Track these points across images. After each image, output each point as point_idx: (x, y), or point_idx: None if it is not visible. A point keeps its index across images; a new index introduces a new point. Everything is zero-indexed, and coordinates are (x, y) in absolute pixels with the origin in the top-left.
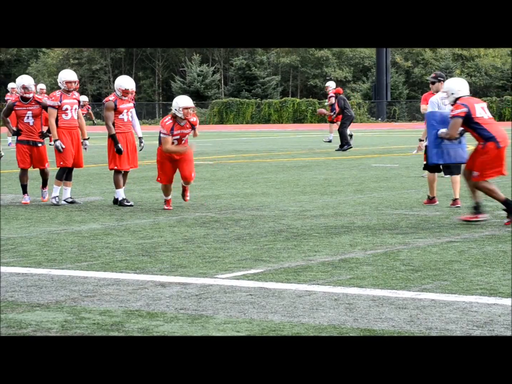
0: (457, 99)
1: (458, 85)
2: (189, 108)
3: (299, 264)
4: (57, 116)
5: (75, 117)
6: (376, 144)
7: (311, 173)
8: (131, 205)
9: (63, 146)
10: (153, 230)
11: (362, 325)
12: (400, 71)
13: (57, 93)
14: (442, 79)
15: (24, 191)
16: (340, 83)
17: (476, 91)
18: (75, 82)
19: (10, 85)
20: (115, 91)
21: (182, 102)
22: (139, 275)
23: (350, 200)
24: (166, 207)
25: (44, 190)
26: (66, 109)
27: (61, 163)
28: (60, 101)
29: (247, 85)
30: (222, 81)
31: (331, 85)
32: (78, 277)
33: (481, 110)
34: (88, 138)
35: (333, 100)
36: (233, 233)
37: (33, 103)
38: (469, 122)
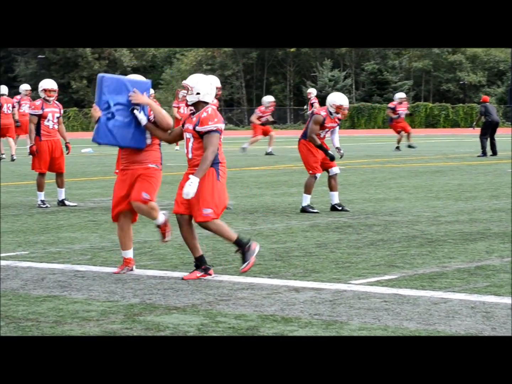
0: None
1: None
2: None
3: (434, 270)
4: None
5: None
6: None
7: (445, 178)
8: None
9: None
10: (286, 235)
11: (501, 334)
12: None
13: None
14: None
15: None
16: (474, 87)
17: None
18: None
19: None
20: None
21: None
22: (273, 279)
23: (485, 206)
24: None
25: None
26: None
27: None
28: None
29: (379, 90)
30: (354, 86)
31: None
32: (213, 281)
33: None
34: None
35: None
36: (366, 238)
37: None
38: None
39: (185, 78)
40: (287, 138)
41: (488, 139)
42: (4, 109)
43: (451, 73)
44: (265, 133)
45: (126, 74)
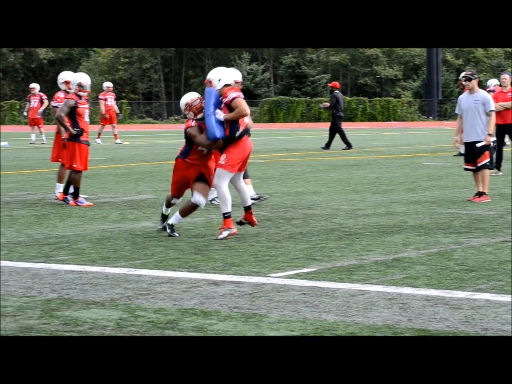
0: None
1: None
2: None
3: (352, 263)
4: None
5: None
6: (427, 143)
7: (362, 171)
8: None
9: None
10: (205, 229)
11: (417, 325)
12: (451, 69)
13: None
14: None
15: (78, 194)
16: (390, 81)
17: None
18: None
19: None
20: None
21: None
22: (192, 273)
23: (402, 199)
24: None
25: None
26: None
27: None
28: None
29: (297, 84)
30: (272, 80)
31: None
32: (132, 275)
33: None
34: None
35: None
36: (285, 231)
37: (87, 102)
38: None
39: (102, 71)
40: None
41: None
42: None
43: (368, 67)
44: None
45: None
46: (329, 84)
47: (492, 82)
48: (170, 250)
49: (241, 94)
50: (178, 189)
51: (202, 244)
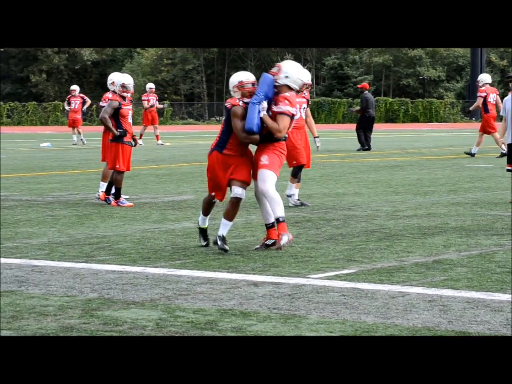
0: None
1: None
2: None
3: (392, 265)
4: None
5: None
6: (470, 144)
7: (404, 173)
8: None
9: None
10: (246, 229)
11: (457, 328)
12: (495, 70)
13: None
14: None
15: (120, 195)
16: (433, 82)
17: None
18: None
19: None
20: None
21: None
22: (232, 274)
23: (443, 201)
24: None
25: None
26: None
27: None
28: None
29: (339, 85)
30: (314, 81)
31: None
32: (172, 276)
33: None
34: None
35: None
36: (325, 233)
37: (130, 103)
38: None
39: (145, 73)
40: None
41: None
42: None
43: (411, 68)
44: None
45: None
46: (359, 86)
47: (483, 78)
48: (210, 250)
49: (293, 111)
50: (217, 188)
51: (242, 245)
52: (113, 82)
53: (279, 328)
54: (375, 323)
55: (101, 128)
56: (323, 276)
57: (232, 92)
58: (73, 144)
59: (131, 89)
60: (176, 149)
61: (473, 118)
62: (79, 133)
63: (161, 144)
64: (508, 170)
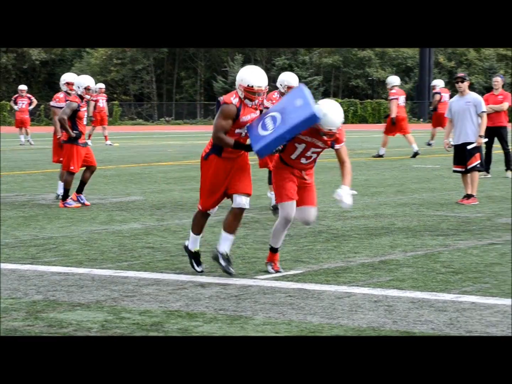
0: None
1: None
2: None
3: (338, 265)
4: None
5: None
6: (417, 145)
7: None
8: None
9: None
10: None
11: (402, 327)
12: (443, 71)
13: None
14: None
15: (67, 196)
16: (382, 83)
17: None
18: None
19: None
20: None
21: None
22: (179, 275)
23: (390, 201)
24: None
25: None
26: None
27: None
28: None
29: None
30: None
31: None
32: (119, 277)
33: None
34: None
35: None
36: None
37: (86, 105)
38: None
39: (95, 73)
40: (197, 133)
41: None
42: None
43: (360, 69)
44: None
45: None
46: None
47: (438, 83)
48: (157, 252)
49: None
50: (213, 195)
51: None
52: (68, 83)
53: (225, 329)
54: (320, 323)
55: (50, 129)
56: (270, 277)
57: (237, 87)
58: (20, 144)
59: (94, 92)
60: (124, 149)
61: (421, 120)
62: (27, 133)
63: (110, 144)
64: (454, 171)
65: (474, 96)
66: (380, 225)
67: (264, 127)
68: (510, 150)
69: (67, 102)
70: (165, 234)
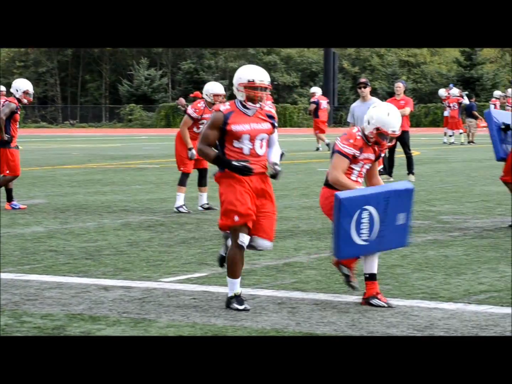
0: None
1: None
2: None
3: (243, 268)
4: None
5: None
6: (322, 149)
7: None
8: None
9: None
10: (97, 233)
11: (305, 329)
12: (347, 76)
13: (202, 104)
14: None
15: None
16: (287, 88)
17: (422, 97)
18: (222, 95)
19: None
20: None
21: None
22: (82, 278)
23: (295, 204)
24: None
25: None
26: (203, 123)
27: (182, 168)
28: (201, 115)
29: (195, 89)
30: (170, 85)
31: None
32: (20, 281)
33: None
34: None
35: None
36: (178, 236)
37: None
38: None
39: None
40: (102, 136)
41: None
42: None
43: None
44: None
45: None
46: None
47: (316, 90)
48: (61, 255)
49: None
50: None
51: (93, 249)
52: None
53: (129, 332)
54: (224, 325)
55: None
56: (175, 280)
57: (235, 90)
58: None
59: (32, 97)
60: (28, 152)
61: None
62: None
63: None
64: None
65: (376, 101)
66: (285, 228)
67: (359, 231)
68: (412, 154)
69: (6, 102)
70: (69, 237)
